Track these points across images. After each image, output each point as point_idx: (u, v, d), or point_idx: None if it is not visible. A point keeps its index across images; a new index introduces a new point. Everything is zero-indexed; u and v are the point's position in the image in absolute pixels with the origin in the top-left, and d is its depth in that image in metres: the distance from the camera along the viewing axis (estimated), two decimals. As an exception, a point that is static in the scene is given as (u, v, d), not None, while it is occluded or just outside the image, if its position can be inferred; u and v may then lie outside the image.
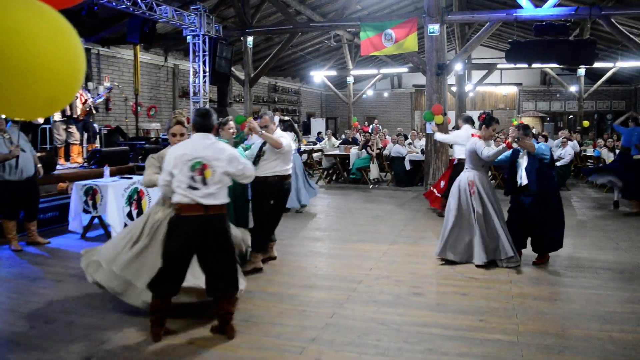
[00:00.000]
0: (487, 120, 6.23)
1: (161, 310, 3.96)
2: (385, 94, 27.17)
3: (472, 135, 6.83)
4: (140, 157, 10.14)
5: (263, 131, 5.53)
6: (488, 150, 5.89)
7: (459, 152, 8.29)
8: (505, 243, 5.83)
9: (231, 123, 5.81)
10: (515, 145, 5.89)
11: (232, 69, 14.20)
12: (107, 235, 7.14)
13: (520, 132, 5.87)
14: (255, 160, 5.62)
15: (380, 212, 9.52)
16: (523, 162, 5.95)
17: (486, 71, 20.32)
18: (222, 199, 3.95)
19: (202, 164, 3.85)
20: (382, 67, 21.66)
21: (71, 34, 2.98)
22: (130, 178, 7.91)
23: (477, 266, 5.81)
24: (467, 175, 6.09)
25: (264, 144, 5.68)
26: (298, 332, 4.10)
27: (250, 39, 13.82)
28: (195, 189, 3.83)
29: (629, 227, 8.11)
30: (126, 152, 10.20)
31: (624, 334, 4.02)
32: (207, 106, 8.53)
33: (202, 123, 4.01)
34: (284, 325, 4.26)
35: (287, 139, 5.70)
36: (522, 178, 5.90)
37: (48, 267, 6.01)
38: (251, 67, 14.20)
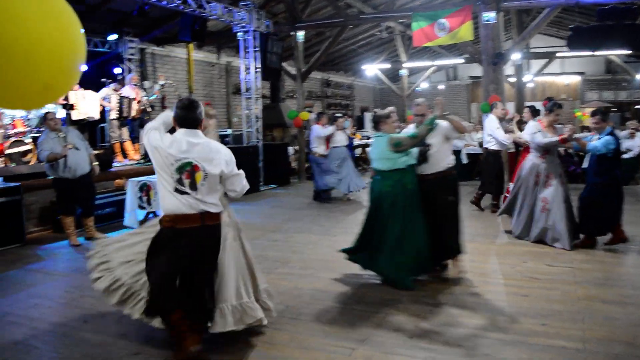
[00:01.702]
0: (550, 106, 6.31)
1: (180, 321, 3.43)
2: (440, 87, 26.59)
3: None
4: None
5: (449, 114, 4.97)
6: (541, 138, 6.12)
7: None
8: (562, 230, 6.05)
9: (394, 116, 5.09)
10: (574, 142, 6.22)
11: (284, 64, 14.16)
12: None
13: (598, 117, 5.93)
14: (422, 157, 4.99)
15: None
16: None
17: (546, 60, 19.53)
18: (217, 206, 3.46)
19: (192, 165, 3.32)
20: (437, 58, 21.16)
21: (69, 19, 2.77)
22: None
23: (534, 242, 6.31)
24: (533, 162, 6.36)
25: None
26: (347, 333, 3.95)
27: (300, 34, 13.72)
28: (184, 193, 3.32)
29: None
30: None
31: None
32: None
33: (186, 117, 3.38)
34: (333, 325, 4.13)
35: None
36: (585, 163, 6.12)
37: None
38: (302, 62, 14.10)
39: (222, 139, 11.94)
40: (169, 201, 3.34)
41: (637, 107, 21.13)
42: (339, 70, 23.09)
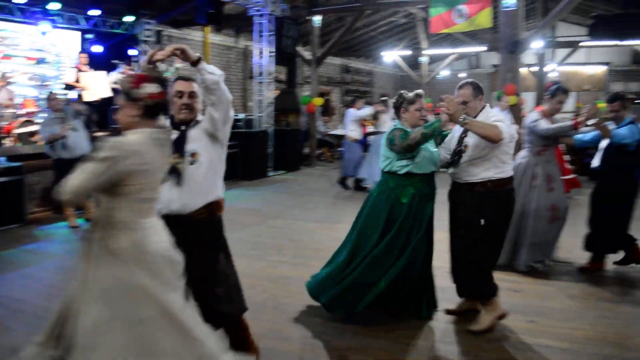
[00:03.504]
0: (554, 90, 5.00)
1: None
2: (462, 75, 26.14)
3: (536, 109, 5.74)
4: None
5: (466, 117, 3.52)
6: (545, 125, 4.87)
7: None
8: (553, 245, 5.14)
9: (421, 102, 3.89)
10: (587, 128, 4.92)
11: (300, 49, 14.02)
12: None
13: (618, 103, 4.90)
14: (455, 160, 3.81)
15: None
16: (603, 143, 5.09)
17: (570, 49, 19.02)
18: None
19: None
20: (458, 46, 20.76)
21: None
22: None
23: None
24: (528, 161, 5.07)
25: (465, 133, 3.77)
26: (329, 324, 3.86)
27: (317, 18, 13.54)
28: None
29: None
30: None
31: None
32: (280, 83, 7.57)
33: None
34: (315, 316, 4.04)
35: (505, 122, 3.66)
36: (595, 161, 5.17)
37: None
38: (317, 47, 13.94)
39: (235, 123, 11.89)
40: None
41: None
42: (359, 56, 22.84)
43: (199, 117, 2.97)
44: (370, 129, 10.29)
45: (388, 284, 3.68)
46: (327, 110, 17.34)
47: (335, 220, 7.26)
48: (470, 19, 11.03)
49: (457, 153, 3.76)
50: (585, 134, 5.13)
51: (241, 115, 14.17)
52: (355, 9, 13.23)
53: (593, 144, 5.26)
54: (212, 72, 2.74)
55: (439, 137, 3.95)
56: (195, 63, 2.73)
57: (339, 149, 12.53)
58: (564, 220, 5.06)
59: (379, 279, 3.69)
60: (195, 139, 2.90)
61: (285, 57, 12.82)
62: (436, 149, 3.92)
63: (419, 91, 3.91)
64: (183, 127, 2.93)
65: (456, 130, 3.88)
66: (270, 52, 12.25)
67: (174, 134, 2.86)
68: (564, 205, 5.04)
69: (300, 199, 9.07)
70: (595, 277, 4.89)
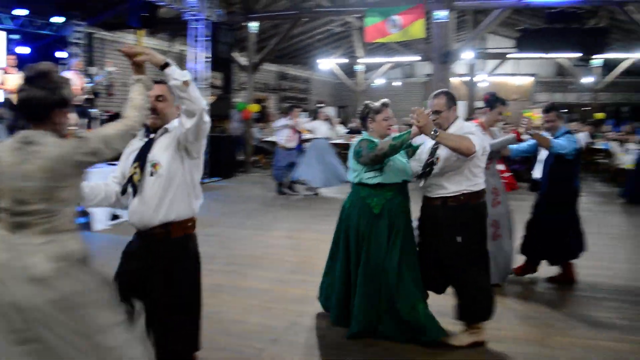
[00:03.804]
0: (492, 101, 4.94)
1: None
2: (396, 83, 26.71)
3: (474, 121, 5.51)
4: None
5: (437, 130, 3.39)
6: (488, 137, 4.71)
7: None
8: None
9: (388, 111, 3.77)
10: (526, 137, 4.88)
11: (236, 55, 13.93)
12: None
13: (553, 114, 4.87)
14: (426, 172, 3.62)
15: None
16: (543, 155, 5.16)
17: (499, 61, 19.81)
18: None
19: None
20: (393, 55, 21.21)
21: None
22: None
23: None
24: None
25: (437, 144, 3.60)
26: (259, 332, 3.84)
27: (253, 25, 13.51)
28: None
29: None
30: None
31: (611, 343, 3.72)
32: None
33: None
34: (247, 324, 4.01)
35: (477, 135, 3.52)
36: (536, 172, 5.22)
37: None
38: (254, 54, 13.90)
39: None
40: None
41: (583, 109, 21.63)
42: (296, 63, 22.94)
43: (171, 124, 2.72)
44: (306, 136, 10.44)
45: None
46: (263, 116, 17.30)
47: (270, 227, 7.25)
48: (404, 30, 11.31)
49: (429, 165, 3.60)
50: (521, 144, 5.11)
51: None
52: (292, 16, 13.29)
53: (530, 154, 5.36)
54: (177, 78, 2.48)
55: (410, 149, 3.83)
56: (163, 67, 2.50)
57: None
58: (508, 239, 4.89)
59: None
60: (161, 148, 2.66)
61: (220, 62, 12.71)
62: (407, 160, 3.79)
63: (385, 100, 3.78)
64: (152, 134, 2.72)
65: (429, 141, 3.71)
66: (206, 57, 12.11)
67: (140, 142, 2.71)
68: (505, 223, 4.86)
69: (235, 206, 9.00)
70: (523, 280, 5.09)
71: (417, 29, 11.14)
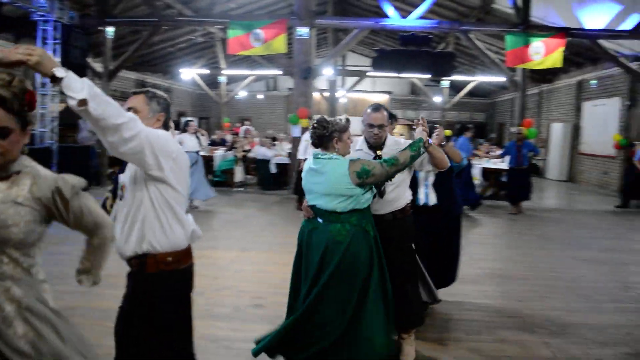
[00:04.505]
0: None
1: None
2: (259, 96, 26.90)
3: None
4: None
5: (431, 139, 3.40)
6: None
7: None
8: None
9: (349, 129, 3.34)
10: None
11: (91, 60, 13.17)
12: None
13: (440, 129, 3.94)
14: (384, 189, 3.50)
15: (239, 216, 9.19)
16: (426, 174, 4.58)
17: (358, 78, 20.73)
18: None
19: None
20: (256, 68, 21.35)
21: None
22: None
23: None
24: None
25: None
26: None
27: (110, 29, 12.86)
28: None
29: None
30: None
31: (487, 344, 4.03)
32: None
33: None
34: (101, 347, 3.76)
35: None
36: (428, 196, 4.61)
37: None
38: (110, 60, 13.23)
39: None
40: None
41: (434, 125, 23.32)
42: (157, 72, 22.21)
43: None
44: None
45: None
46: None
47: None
48: (266, 44, 11.43)
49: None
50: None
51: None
52: (152, 23, 12.85)
53: None
54: (73, 95, 1.82)
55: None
56: (53, 79, 1.79)
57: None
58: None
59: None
60: (129, 169, 2.33)
61: (73, 68, 11.81)
62: None
63: (346, 116, 3.32)
64: None
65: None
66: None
67: None
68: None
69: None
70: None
71: (279, 44, 11.34)
